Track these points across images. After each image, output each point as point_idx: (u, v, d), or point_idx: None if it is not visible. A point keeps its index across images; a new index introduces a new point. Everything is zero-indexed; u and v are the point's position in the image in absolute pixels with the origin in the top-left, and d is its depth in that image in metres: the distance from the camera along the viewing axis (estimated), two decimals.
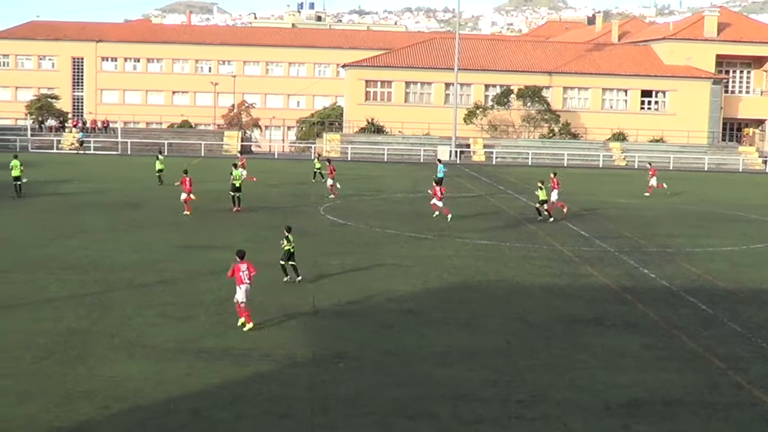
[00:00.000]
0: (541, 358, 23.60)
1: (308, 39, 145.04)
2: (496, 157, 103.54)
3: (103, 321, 26.07)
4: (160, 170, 63.58)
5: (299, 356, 23.11)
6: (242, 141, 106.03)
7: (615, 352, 24.26)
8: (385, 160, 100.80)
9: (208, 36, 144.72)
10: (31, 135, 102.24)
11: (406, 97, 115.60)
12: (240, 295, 25.84)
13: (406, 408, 19.51)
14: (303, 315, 27.41)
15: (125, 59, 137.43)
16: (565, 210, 52.26)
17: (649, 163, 72.18)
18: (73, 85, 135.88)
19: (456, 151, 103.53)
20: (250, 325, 25.53)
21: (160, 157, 66.18)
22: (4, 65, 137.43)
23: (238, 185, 49.91)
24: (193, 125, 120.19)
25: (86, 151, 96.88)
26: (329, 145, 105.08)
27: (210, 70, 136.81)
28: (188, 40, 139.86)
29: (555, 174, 53.93)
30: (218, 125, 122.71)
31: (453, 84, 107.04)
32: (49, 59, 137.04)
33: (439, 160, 63.40)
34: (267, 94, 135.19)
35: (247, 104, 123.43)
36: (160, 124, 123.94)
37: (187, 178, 49.45)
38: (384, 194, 62.19)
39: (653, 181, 67.16)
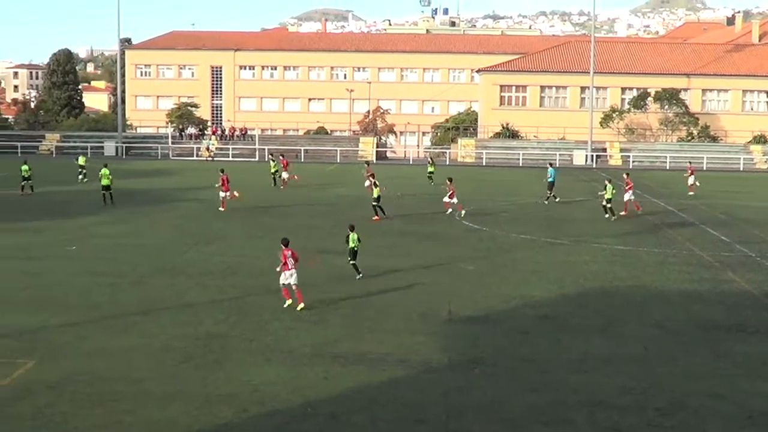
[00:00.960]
0: (680, 365, 23.09)
1: (443, 44, 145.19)
2: (633, 161, 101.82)
3: (240, 326, 26.48)
4: (275, 172, 66.53)
5: (434, 361, 23.09)
6: (377, 147, 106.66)
7: (757, 360, 23.60)
8: (520, 164, 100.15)
9: (343, 43, 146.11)
10: (172, 143, 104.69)
11: (540, 101, 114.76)
12: (284, 279, 28.50)
13: (541, 414, 19.31)
14: (439, 320, 27.38)
15: (262, 67, 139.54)
16: (639, 210, 53.12)
17: (689, 162, 70.60)
18: (212, 94, 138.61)
19: (592, 155, 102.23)
20: (301, 305, 28.04)
21: (273, 160, 69.84)
22: (146, 75, 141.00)
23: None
24: (329, 132, 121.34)
25: (214, 159, 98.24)
26: (464, 150, 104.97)
27: (345, 77, 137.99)
28: (324, 48, 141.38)
29: (627, 174, 55.67)
30: (353, 131, 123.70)
31: (588, 87, 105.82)
32: (189, 68, 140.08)
33: (551, 164, 63.12)
34: (402, 100, 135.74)
35: (382, 110, 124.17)
36: (297, 130, 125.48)
37: (225, 177, 52.67)
38: (519, 199, 61.77)
39: (691, 180, 67.44)
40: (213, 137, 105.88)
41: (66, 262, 36.30)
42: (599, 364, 22.95)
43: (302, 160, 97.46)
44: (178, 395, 20.33)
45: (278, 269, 28.82)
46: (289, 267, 28.43)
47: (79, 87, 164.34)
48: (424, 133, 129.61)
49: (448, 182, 52.37)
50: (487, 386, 21.22)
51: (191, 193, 61.81)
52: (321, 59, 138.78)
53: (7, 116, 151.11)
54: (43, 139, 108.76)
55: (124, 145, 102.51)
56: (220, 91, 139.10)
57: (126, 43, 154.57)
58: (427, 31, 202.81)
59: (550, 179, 58.81)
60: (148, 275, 33.58)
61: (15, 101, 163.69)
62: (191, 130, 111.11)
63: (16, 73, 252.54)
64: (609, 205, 50.94)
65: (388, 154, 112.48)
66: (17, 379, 21.32)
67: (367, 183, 57.17)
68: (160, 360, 22.99)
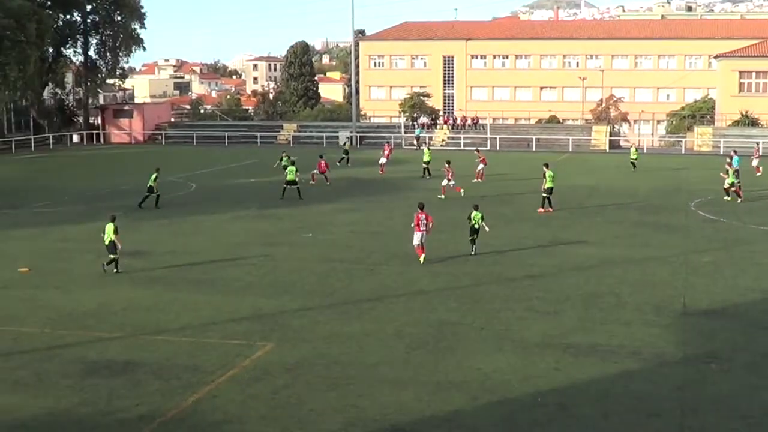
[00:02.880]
0: None
1: (678, 30, 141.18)
2: None
3: (472, 313, 26.65)
4: (428, 162, 66.16)
5: (668, 355, 22.61)
6: (610, 136, 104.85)
7: None
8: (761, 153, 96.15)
9: (575, 31, 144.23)
10: (404, 132, 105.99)
11: None
12: (416, 239, 33.66)
13: None
14: (673, 313, 26.78)
15: (494, 56, 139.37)
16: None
17: (734, 151, 65.32)
18: (444, 83, 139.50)
19: None
20: (422, 257, 33.48)
21: (427, 149, 71.24)
22: (379, 65, 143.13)
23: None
24: (561, 120, 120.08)
25: (420, 147, 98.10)
26: (700, 139, 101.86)
27: (578, 65, 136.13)
28: (556, 36, 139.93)
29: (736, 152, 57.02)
30: (586, 120, 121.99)
31: None
32: (421, 59, 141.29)
33: (735, 152, 60.88)
34: (635, 88, 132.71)
35: (615, 98, 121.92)
36: (528, 119, 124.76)
37: (323, 162, 59.78)
38: (759, 190, 59.43)
39: (755, 162, 67.32)
40: (421, 129, 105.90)
41: (303, 248, 37.42)
42: None
43: (533, 149, 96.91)
44: (410, 381, 20.66)
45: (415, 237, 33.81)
46: (420, 228, 33.47)
47: (315, 78, 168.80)
48: (658, 122, 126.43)
49: (446, 165, 54.40)
50: (723, 382, 20.64)
51: (423, 182, 62.44)
52: (553, 47, 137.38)
53: (247, 107, 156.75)
54: (281, 129, 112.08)
55: (358, 134, 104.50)
56: (452, 80, 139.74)
57: (360, 34, 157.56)
58: (662, 16, 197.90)
59: (735, 165, 57.09)
60: (382, 262, 34.20)
61: (254, 93, 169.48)
62: (423, 119, 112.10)
63: (255, 66, 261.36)
64: (731, 189, 51.44)
65: (622, 143, 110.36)
66: (256, 361, 22.17)
67: (444, 182, 55.60)
68: (393, 346, 23.41)
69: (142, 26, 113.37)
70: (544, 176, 48.27)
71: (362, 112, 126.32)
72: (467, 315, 26.51)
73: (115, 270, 32.57)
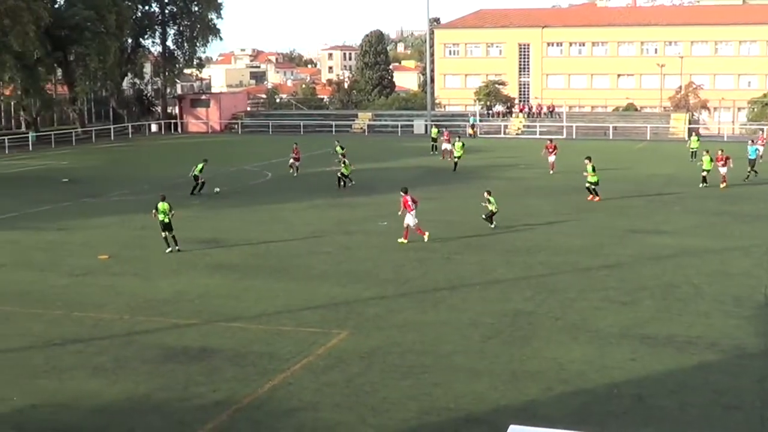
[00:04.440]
0: None
1: (760, 15, 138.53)
2: None
3: (547, 303, 26.50)
4: (459, 157, 63.10)
5: (749, 346, 22.26)
6: (689, 123, 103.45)
7: None
8: None
9: (654, 17, 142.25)
10: (480, 121, 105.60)
11: None
12: (410, 220, 35.00)
13: None
14: (754, 304, 26.36)
15: (570, 44, 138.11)
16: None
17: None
18: (520, 71, 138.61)
19: None
20: (403, 240, 35.09)
21: (460, 144, 65.26)
22: (454, 54, 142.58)
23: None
24: (638, 108, 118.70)
25: (476, 136, 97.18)
26: None
27: (656, 52, 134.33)
28: (634, 22, 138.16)
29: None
30: (664, 108, 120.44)
31: None
32: (497, 46, 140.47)
33: (752, 141, 59.89)
34: (716, 75, 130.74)
35: (694, 85, 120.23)
36: (605, 107, 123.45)
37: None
38: None
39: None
40: (475, 117, 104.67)
41: (378, 237, 37.49)
42: None
43: (611, 138, 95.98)
44: (485, 370, 20.61)
45: (399, 213, 35.61)
46: (412, 209, 34.82)
47: (390, 67, 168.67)
48: (739, 109, 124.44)
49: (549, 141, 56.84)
50: None
51: (499, 170, 62.19)
52: (630, 34, 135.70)
53: (322, 96, 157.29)
54: (356, 118, 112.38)
55: (433, 123, 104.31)
56: (528, 68, 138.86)
57: (435, 22, 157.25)
58: (744, 1, 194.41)
59: (751, 156, 57.51)
60: (457, 251, 34.14)
61: (329, 82, 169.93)
62: (499, 108, 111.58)
63: (330, 55, 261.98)
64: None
65: (701, 131, 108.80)
66: (331, 349, 22.28)
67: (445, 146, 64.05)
68: (468, 335, 23.38)
69: (219, 16, 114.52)
70: (586, 170, 47.30)
71: (437, 101, 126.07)
72: (542, 304, 26.37)
73: (177, 247, 34.12)
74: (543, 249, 34.61)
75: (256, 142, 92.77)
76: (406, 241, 35.19)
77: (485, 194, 38.19)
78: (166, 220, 34.14)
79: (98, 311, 26.15)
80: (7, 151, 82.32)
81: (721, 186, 51.27)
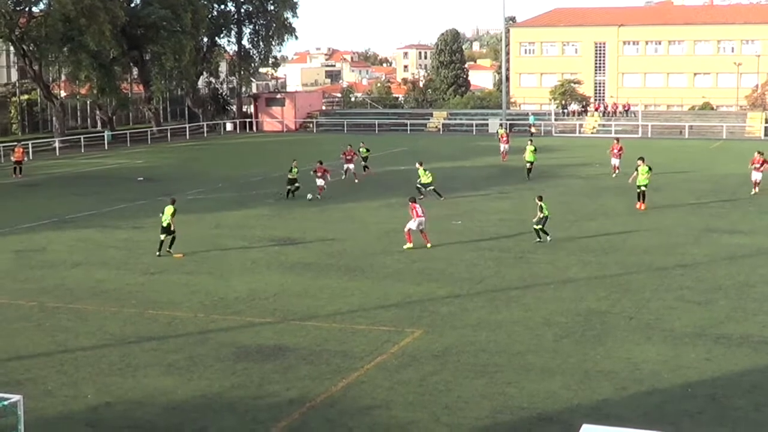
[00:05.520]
0: None
1: None
2: None
3: (621, 303, 26.32)
4: (531, 162, 57.77)
5: None
6: (766, 122, 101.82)
7: None
8: None
9: (731, 15, 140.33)
10: (555, 119, 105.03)
11: None
12: (412, 225, 34.69)
13: None
14: None
15: (646, 42, 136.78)
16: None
17: None
18: (595, 70, 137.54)
19: None
20: (409, 245, 34.47)
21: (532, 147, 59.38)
22: (530, 52, 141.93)
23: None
24: (715, 107, 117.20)
25: (537, 135, 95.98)
26: None
27: (733, 50, 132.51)
28: (710, 21, 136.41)
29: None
30: (740, 106, 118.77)
31: None
32: (572, 45, 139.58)
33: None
34: None
35: None
36: (681, 106, 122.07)
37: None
38: None
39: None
40: (534, 116, 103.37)
41: (452, 236, 37.46)
42: None
43: (686, 137, 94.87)
44: (558, 369, 20.54)
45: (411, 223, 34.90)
46: (419, 214, 34.61)
47: (465, 66, 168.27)
48: None
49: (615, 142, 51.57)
50: None
51: (574, 169, 61.80)
52: (707, 33, 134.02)
53: (397, 95, 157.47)
54: (431, 117, 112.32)
55: (508, 122, 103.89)
56: (604, 67, 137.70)
57: (510, 21, 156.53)
58: None
59: None
60: (531, 250, 34.02)
61: (405, 80, 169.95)
62: (574, 106, 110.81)
63: (405, 54, 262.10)
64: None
65: None
66: (404, 347, 22.34)
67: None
68: (541, 334, 23.31)
69: (294, 15, 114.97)
70: (637, 170, 44.61)
71: (512, 100, 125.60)
72: (616, 304, 26.19)
73: (168, 249, 34.07)
74: (617, 248, 34.36)
75: (330, 141, 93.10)
76: (410, 244, 34.70)
77: (537, 200, 36.25)
78: (164, 224, 34.10)
79: (173, 309, 26.48)
80: (83, 150, 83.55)
81: (753, 191, 48.38)
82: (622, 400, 18.71)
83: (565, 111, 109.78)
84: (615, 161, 57.64)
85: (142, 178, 60.03)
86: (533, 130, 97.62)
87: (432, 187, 47.86)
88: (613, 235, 36.85)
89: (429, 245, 34.60)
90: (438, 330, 23.80)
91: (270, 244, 35.81)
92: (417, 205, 35.14)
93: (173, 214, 34.09)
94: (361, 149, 60.47)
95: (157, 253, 34.12)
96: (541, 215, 35.21)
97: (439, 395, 19.10)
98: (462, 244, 35.53)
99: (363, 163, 59.05)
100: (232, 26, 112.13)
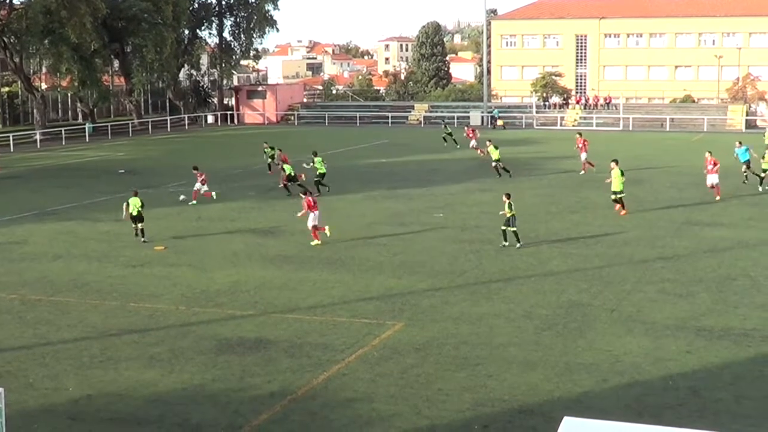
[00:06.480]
0: None
1: None
2: None
3: (602, 295, 26.39)
4: (498, 160, 55.23)
5: None
6: (746, 115, 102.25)
7: None
8: None
9: (712, 8, 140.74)
10: (536, 112, 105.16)
11: None
12: (312, 220, 34.15)
13: None
14: None
15: (628, 35, 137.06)
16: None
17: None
18: (576, 63, 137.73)
19: None
20: (317, 242, 34.05)
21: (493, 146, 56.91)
22: (511, 45, 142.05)
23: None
24: (696, 100, 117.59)
25: (505, 127, 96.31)
26: None
27: (714, 43, 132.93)
28: (692, 14, 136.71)
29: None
30: (722, 99, 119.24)
31: None
32: (554, 38, 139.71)
33: (739, 143, 53.12)
34: None
35: (752, 77, 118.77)
36: (663, 99, 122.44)
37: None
38: None
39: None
40: (497, 110, 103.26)
41: (433, 228, 37.50)
42: None
43: (668, 129, 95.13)
44: (540, 362, 20.58)
45: (299, 215, 34.77)
46: (316, 209, 34.30)
47: (447, 58, 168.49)
48: None
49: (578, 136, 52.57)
50: None
51: (555, 162, 61.87)
52: (688, 25, 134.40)
53: (378, 88, 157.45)
54: (412, 109, 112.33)
55: (490, 115, 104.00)
56: (585, 59, 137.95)
57: (492, 13, 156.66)
58: None
59: (742, 159, 50.66)
60: (511, 243, 34.01)
61: (386, 73, 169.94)
62: (555, 99, 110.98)
63: (387, 46, 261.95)
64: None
65: (758, 123, 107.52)
66: (386, 340, 22.35)
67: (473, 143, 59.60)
68: (522, 326, 23.35)
69: (276, 7, 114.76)
70: (611, 174, 41.57)
71: (494, 92, 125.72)
72: (597, 296, 26.25)
73: (143, 239, 35.31)
74: (598, 241, 34.43)
75: (312, 133, 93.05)
76: (318, 241, 34.43)
77: (504, 198, 34.00)
78: (135, 213, 35.53)
79: (154, 302, 26.43)
80: (64, 143, 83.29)
81: (716, 198, 44.58)
82: (603, 392, 18.76)
83: (547, 104, 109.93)
84: (583, 156, 55.97)
85: (123, 171, 59.84)
86: (499, 122, 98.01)
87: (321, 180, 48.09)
88: (595, 228, 36.93)
89: (328, 231, 34.74)
90: (419, 323, 23.81)
91: (251, 237, 35.75)
92: (311, 198, 34.88)
93: (142, 204, 35.82)
94: (265, 149, 58.35)
95: (143, 239, 35.07)
96: (508, 214, 33.40)
97: (421, 388, 19.12)
98: (443, 237, 35.54)
99: (269, 161, 56.88)
100: (213, 18, 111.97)
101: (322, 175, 48.04)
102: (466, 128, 76.10)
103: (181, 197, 45.50)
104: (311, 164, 48.11)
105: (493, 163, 54.07)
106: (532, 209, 41.44)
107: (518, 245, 33.25)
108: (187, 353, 21.59)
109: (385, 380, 19.55)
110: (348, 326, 23.58)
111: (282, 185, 47.73)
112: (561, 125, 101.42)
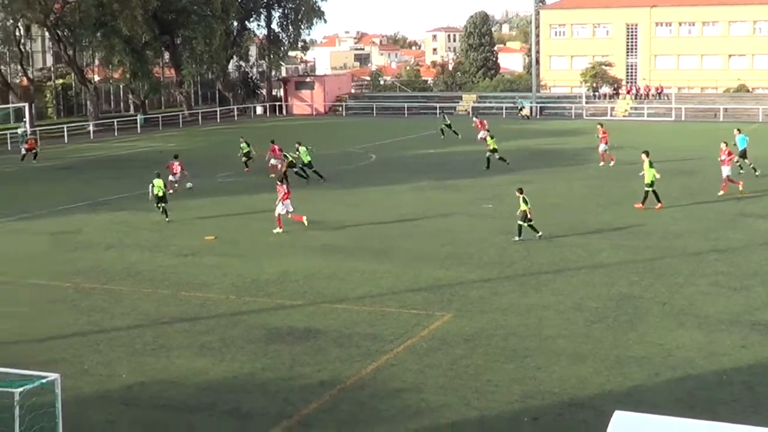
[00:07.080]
0: None
1: None
2: None
3: (654, 288, 26.14)
4: (494, 150, 55.23)
5: None
6: None
7: None
8: None
9: None
10: (586, 102, 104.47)
11: None
12: (281, 209, 34.95)
13: None
14: None
15: (680, 23, 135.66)
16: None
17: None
18: (627, 52, 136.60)
19: None
20: (279, 230, 34.73)
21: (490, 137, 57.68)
22: (560, 34, 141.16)
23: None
24: (750, 89, 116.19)
25: (529, 118, 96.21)
26: None
27: None
28: (746, 1, 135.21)
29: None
30: None
31: None
32: (603, 27, 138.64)
33: (738, 130, 52.14)
34: None
35: None
36: (716, 89, 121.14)
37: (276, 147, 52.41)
38: None
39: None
40: (523, 100, 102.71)
41: (482, 219, 37.39)
42: None
43: (721, 120, 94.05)
44: (589, 354, 20.44)
45: (277, 202, 35.22)
46: (287, 198, 35.05)
47: (495, 48, 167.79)
48: None
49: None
50: None
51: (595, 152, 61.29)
52: (743, 13, 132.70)
53: (426, 78, 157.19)
54: (460, 99, 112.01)
55: (539, 105, 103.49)
56: (635, 49, 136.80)
57: (541, 3, 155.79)
58: None
59: (740, 147, 49.83)
60: (561, 234, 33.82)
61: (434, 63, 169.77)
62: (605, 89, 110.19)
63: (434, 37, 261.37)
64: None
65: None
66: (434, 331, 22.31)
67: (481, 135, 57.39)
68: (572, 319, 23.20)
69: None
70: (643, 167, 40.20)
71: (542, 83, 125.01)
72: (649, 289, 26.02)
73: (167, 218, 37.29)
74: (649, 233, 34.12)
75: (360, 124, 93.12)
76: (281, 229, 35.04)
77: (517, 193, 33.24)
78: (160, 194, 37.69)
79: (205, 291, 26.58)
80: (116, 134, 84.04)
81: (720, 192, 42.80)
82: (654, 386, 18.58)
83: (596, 94, 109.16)
84: (603, 147, 54.95)
85: (162, 151, 60.52)
86: (524, 113, 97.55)
87: (313, 169, 48.52)
88: (645, 219, 36.59)
89: (305, 221, 35.53)
90: (468, 314, 23.75)
91: (301, 227, 35.81)
92: (284, 186, 35.68)
93: (165, 185, 38.73)
94: (241, 145, 56.59)
95: (167, 219, 37.20)
96: (523, 209, 32.60)
97: (470, 379, 19.06)
98: (492, 228, 35.39)
99: (244, 159, 55.47)
100: (261, 10, 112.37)
101: (309, 164, 48.49)
102: (474, 119, 75.09)
103: (188, 185, 46.76)
104: (297, 154, 48.57)
105: (488, 154, 53.57)
106: (582, 200, 41.21)
107: (516, 239, 32.62)
108: (237, 342, 21.70)
109: (434, 371, 19.51)
110: (397, 317, 23.57)
111: (297, 173, 48.28)
112: (611, 116, 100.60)
